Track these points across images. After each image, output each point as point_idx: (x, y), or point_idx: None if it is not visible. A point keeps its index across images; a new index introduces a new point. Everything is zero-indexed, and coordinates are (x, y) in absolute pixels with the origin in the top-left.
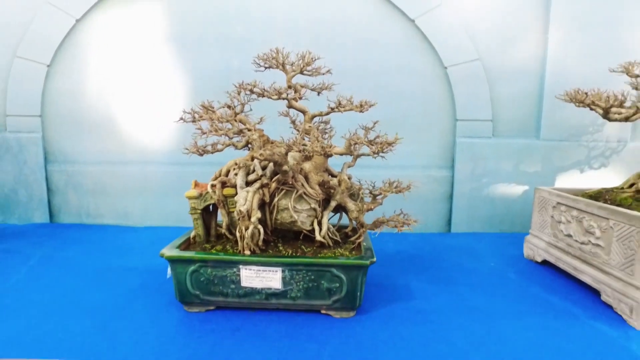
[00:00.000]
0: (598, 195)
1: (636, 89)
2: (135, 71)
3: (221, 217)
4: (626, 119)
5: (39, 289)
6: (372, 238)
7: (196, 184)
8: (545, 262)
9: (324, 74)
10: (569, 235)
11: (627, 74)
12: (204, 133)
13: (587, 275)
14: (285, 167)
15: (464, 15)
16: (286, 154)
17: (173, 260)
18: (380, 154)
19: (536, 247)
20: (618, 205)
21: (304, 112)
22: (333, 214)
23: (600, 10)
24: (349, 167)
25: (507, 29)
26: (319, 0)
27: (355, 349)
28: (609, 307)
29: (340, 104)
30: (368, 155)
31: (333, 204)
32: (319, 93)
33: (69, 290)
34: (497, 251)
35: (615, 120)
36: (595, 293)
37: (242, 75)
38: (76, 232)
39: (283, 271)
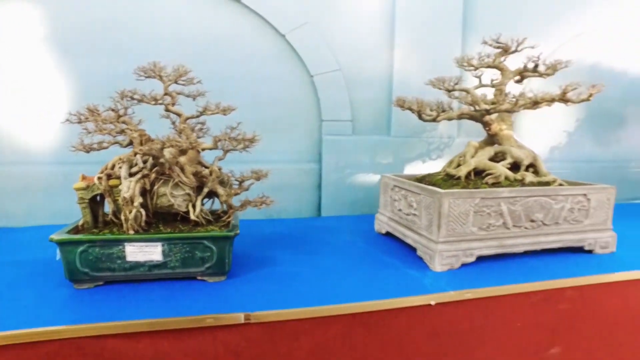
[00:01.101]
0: (421, 178)
1: (449, 96)
2: (15, 74)
3: (108, 206)
4: (433, 120)
5: None
6: (251, 222)
7: (83, 177)
8: (387, 233)
9: (195, 84)
10: (400, 210)
11: (433, 86)
12: (89, 132)
13: (410, 238)
14: (161, 160)
15: (327, 33)
16: (162, 149)
17: (63, 243)
18: (247, 149)
19: (381, 222)
20: (432, 184)
21: (179, 115)
22: (208, 199)
23: (429, 35)
24: (219, 159)
25: (362, 46)
26: (203, 15)
27: (225, 302)
28: (421, 259)
29: (206, 108)
30: (235, 150)
31: (205, 190)
32: (194, 99)
33: None
34: (355, 228)
35: (427, 120)
36: (414, 250)
37: (129, 82)
38: None
39: (163, 245)
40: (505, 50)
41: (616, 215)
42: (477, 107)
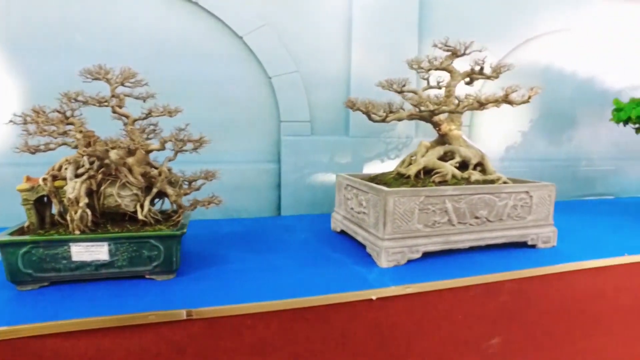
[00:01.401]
0: (374, 178)
1: (403, 96)
2: None
3: (54, 207)
4: (382, 121)
5: None
6: (211, 222)
7: (28, 179)
8: (342, 232)
9: (142, 85)
10: (352, 208)
11: (382, 88)
12: (30, 134)
13: (360, 235)
14: (107, 161)
15: (285, 35)
16: (106, 150)
17: (4, 245)
18: (196, 150)
19: (336, 221)
20: (384, 183)
21: (127, 116)
22: (158, 199)
23: (386, 36)
24: (169, 160)
25: (320, 48)
26: (158, 15)
27: (171, 299)
28: (370, 255)
29: (152, 110)
30: (185, 151)
31: (154, 190)
32: (144, 100)
33: None
34: (312, 227)
35: (376, 121)
36: (364, 247)
37: (82, 82)
38: None
39: (109, 245)
40: (454, 54)
41: (565, 211)
42: (423, 108)
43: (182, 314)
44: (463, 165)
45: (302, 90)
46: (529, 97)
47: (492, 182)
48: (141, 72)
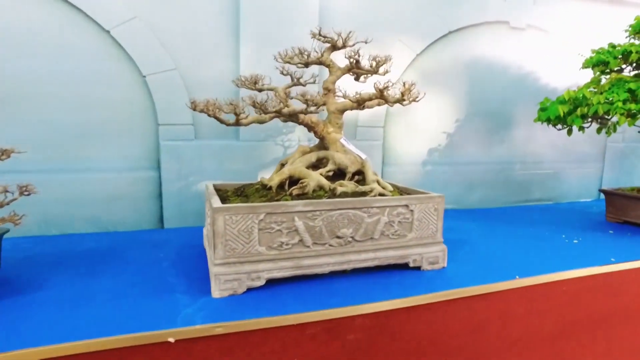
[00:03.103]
0: (240, 188)
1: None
2: None
3: None
4: (236, 124)
5: None
6: (71, 237)
7: None
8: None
9: None
10: (208, 224)
11: (237, 86)
12: None
13: (209, 256)
14: None
15: (159, 29)
16: None
17: None
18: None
19: (205, 236)
20: (245, 196)
21: None
22: None
23: (281, 32)
24: None
25: (201, 44)
26: (13, 5)
27: None
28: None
29: None
30: None
31: None
32: None
33: None
34: (186, 242)
35: (229, 124)
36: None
37: None
38: None
39: None
40: (333, 46)
41: (486, 220)
42: (283, 108)
43: None
44: (341, 174)
45: (183, 89)
46: (402, 96)
47: (363, 194)
48: None
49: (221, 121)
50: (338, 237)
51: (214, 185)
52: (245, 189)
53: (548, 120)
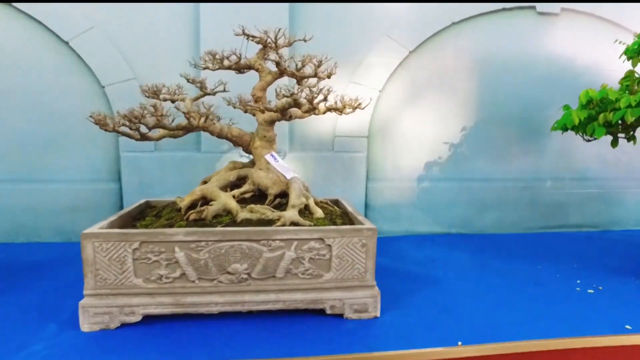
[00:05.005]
0: (167, 206)
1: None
2: None
3: None
4: (143, 138)
5: None
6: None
7: None
8: None
9: None
10: None
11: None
12: None
13: None
14: None
15: (117, 39)
16: None
17: None
18: None
19: None
20: (160, 217)
21: None
22: None
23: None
24: None
25: (160, 53)
26: None
27: None
28: None
29: None
30: None
31: None
32: None
33: None
34: None
35: (137, 139)
36: None
37: None
38: None
39: None
40: (264, 46)
41: (500, 250)
42: (192, 120)
43: None
44: (264, 196)
45: (141, 99)
46: (344, 107)
47: (269, 222)
48: None
49: (128, 136)
50: (229, 272)
51: (149, 202)
52: (165, 208)
53: (564, 129)
